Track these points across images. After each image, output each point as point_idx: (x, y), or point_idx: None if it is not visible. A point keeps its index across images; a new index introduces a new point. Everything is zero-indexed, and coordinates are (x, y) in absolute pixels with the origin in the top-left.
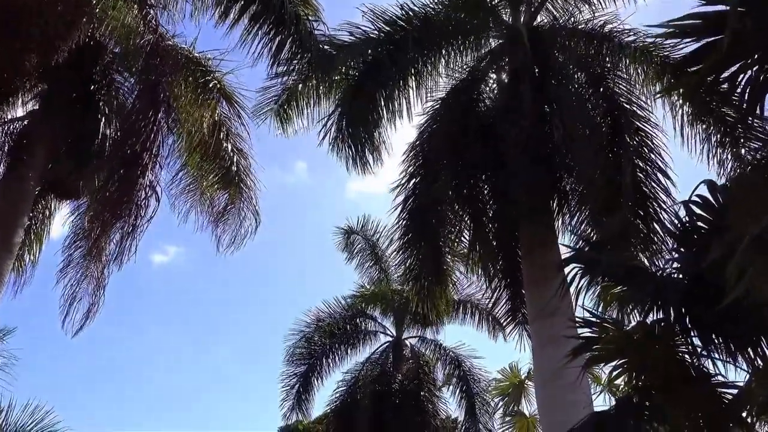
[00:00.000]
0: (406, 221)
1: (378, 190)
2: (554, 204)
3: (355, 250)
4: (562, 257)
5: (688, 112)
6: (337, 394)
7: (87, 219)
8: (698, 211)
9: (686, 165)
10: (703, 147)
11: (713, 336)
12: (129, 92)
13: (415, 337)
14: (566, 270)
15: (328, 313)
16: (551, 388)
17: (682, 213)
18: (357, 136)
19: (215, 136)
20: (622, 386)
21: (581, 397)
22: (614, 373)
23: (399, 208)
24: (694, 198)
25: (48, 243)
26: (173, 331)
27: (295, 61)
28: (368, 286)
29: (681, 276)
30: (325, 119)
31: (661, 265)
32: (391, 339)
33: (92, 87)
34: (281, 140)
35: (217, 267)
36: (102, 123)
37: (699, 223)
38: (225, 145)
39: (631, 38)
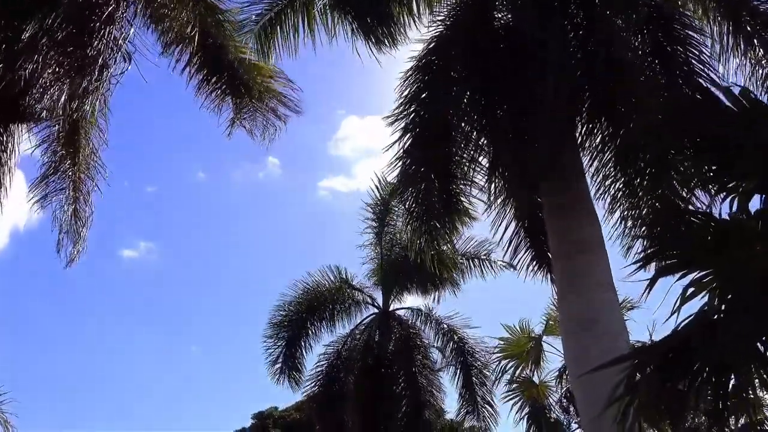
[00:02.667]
0: (408, 151)
1: (351, 187)
2: (581, 129)
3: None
4: None
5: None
6: (319, 369)
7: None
8: None
9: None
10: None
11: None
12: None
13: (404, 308)
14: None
15: (312, 285)
16: (583, 336)
17: None
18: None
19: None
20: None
21: (621, 345)
22: (690, 291)
23: (399, 139)
24: None
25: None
26: (143, 328)
27: None
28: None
29: None
30: None
31: None
32: (377, 310)
33: None
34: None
35: (188, 263)
36: None
37: None
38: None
39: None
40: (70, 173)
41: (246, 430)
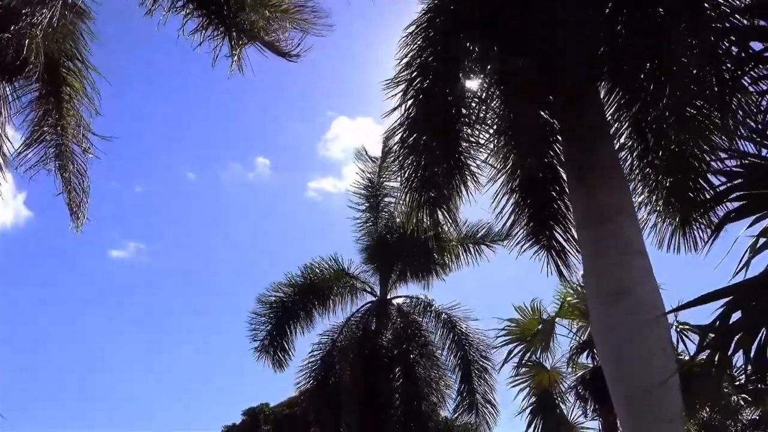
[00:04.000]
0: (409, 116)
1: (340, 188)
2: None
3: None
4: None
5: None
6: (313, 359)
7: None
8: None
9: None
10: None
11: None
12: None
13: (403, 296)
14: None
15: (307, 272)
16: (615, 306)
17: None
18: None
19: None
20: None
21: (658, 316)
22: (762, 241)
23: (399, 105)
24: None
25: None
26: (133, 328)
27: None
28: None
29: None
30: None
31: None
32: (375, 299)
33: None
34: (245, 134)
35: (178, 263)
36: None
37: None
38: None
39: None
40: (57, 141)
41: (236, 427)
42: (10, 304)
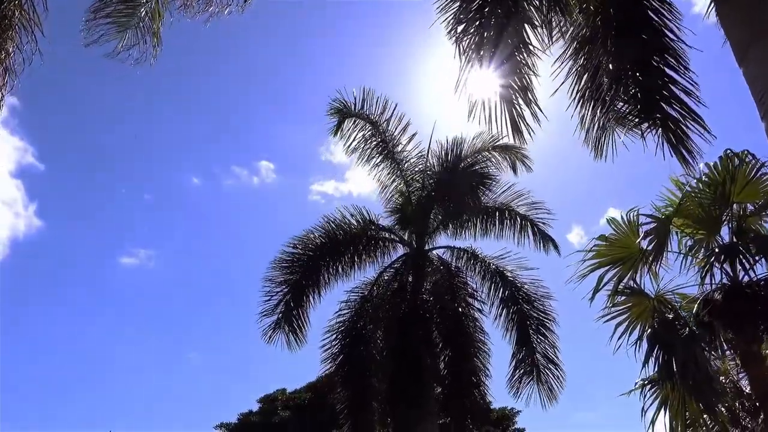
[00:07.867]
0: None
1: (343, 191)
2: None
3: (354, 141)
4: None
5: None
6: (341, 319)
7: None
8: None
9: None
10: None
11: None
12: None
13: (442, 247)
14: None
15: (328, 228)
16: None
17: None
18: None
19: None
20: None
21: None
22: None
23: None
24: None
25: None
26: (144, 332)
27: None
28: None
29: None
30: None
31: None
32: (410, 250)
33: None
34: (249, 138)
35: (188, 269)
36: None
37: None
38: None
39: None
40: None
41: (252, 414)
42: (23, 310)
